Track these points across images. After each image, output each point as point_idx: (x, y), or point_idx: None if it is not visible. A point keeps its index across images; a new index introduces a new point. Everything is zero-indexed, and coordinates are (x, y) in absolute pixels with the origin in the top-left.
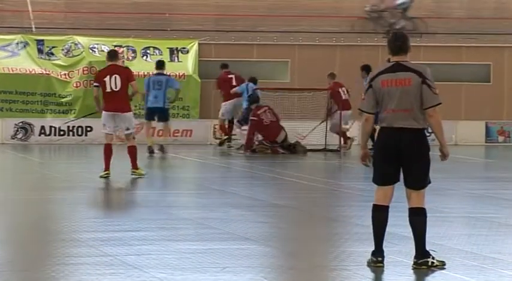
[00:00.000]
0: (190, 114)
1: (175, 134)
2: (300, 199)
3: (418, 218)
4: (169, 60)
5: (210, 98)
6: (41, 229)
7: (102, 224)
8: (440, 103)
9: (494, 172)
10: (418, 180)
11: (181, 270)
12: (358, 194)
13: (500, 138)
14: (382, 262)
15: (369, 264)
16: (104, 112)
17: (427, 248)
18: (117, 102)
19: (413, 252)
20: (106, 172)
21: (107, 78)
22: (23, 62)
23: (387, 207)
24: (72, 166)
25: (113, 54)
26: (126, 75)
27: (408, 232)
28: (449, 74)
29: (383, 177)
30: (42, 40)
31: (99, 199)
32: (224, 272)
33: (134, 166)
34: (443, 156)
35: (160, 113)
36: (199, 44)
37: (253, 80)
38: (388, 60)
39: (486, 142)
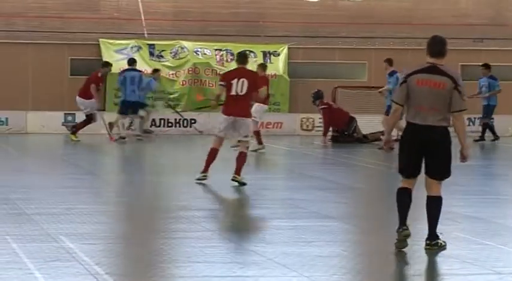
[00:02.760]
0: (280, 109)
1: (268, 126)
2: (375, 183)
3: (435, 205)
4: (263, 62)
5: (298, 94)
6: (153, 207)
7: (204, 203)
8: (466, 109)
9: None
10: (442, 171)
11: (272, 244)
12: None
13: None
14: (407, 229)
15: (398, 235)
16: (223, 116)
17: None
18: (239, 107)
19: (477, 230)
20: (203, 174)
21: (234, 81)
22: (136, 63)
23: (411, 190)
24: (178, 152)
25: (242, 57)
26: (254, 80)
27: (471, 211)
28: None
29: (408, 169)
30: (153, 44)
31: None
32: (309, 245)
33: (238, 171)
34: (463, 157)
35: (135, 107)
36: (288, 48)
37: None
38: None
39: None
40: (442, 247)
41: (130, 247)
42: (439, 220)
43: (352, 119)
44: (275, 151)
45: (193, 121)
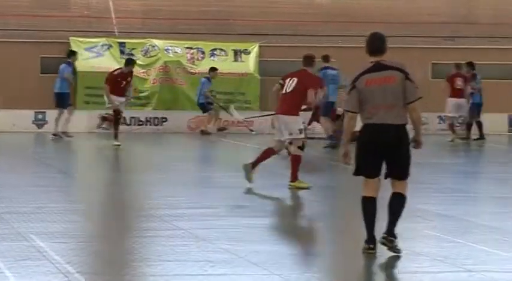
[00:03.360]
0: (251, 108)
1: (239, 124)
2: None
3: (398, 201)
4: (233, 60)
5: (269, 93)
6: (124, 206)
7: (175, 202)
8: (421, 97)
9: None
10: (404, 171)
11: (243, 242)
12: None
13: None
14: (374, 249)
15: (363, 251)
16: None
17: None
18: (284, 105)
19: (447, 227)
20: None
21: (287, 80)
22: (106, 61)
23: (375, 199)
24: (150, 151)
25: (304, 59)
26: (305, 80)
27: (441, 209)
28: None
29: (369, 170)
30: (124, 43)
31: (172, 179)
32: (280, 244)
33: (292, 177)
34: (418, 144)
35: (57, 99)
36: (259, 46)
37: None
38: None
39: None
40: (395, 249)
41: (102, 245)
42: (408, 218)
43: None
44: (247, 150)
45: (164, 120)
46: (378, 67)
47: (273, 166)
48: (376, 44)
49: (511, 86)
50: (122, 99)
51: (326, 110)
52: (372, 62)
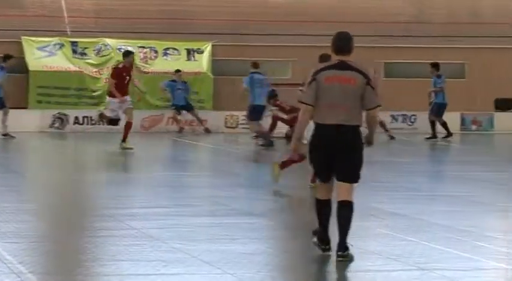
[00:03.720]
0: (205, 107)
1: (192, 124)
2: (297, 178)
3: (347, 212)
4: (186, 59)
5: (222, 92)
6: (77, 206)
7: (128, 202)
8: (380, 105)
9: (468, 157)
10: (352, 174)
11: (196, 241)
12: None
13: (473, 127)
14: (329, 250)
15: (318, 246)
16: None
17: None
18: None
19: (400, 226)
20: None
21: None
22: (59, 61)
23: (330, 200)
24: (103, 150)
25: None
26: None
27: (394, 208)
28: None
29: (323, 172)
30: (76, 42)
31: (126, 179)
32: (233, 243)
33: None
34: (369, 143)
35: None
36: (212, 45)
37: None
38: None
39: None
40: (351, 260)
41: (54, 245)
42: (362, 216)
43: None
44: (199, 149)
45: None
46: (341, 66)
47: (225, 164)
48: (342, 42)
49: (463, 84)
50: (125, 100)
51: (256, 114)
52: (335, 59)
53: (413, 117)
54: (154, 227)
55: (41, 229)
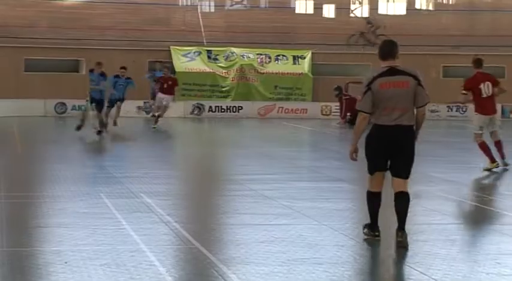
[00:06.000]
0: (306, 99)
1: (296, 112)
2: None
3: (403, 202)
4: (292, 63)
5: (319, 88)
6: (210, 172)
7: (249, 170)
8: (429, 102)
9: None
10: (406, 170)
11: (300, 200)
12: None
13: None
14: (379, 236)
15: (367, 236)
16: (480, 115)
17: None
18: (491, 106)
19: (453, 190)
20: (494, 164)
21: (481, 86)
22: (198, 64)
23: (380, 193)
24: (230, 132)
25: (478, 62)
26: (494, 81)
27: (448, 176)
28: None
29: (377, 167)
30: (210, 50)
31: (246, 153)
32: (327, 201)
33: (501, 156)
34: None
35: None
36: (312, 53)
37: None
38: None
39: (501, 118)
40: (407, 244)
41: (194, 202)
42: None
43: None
44: (301, 131)
45: (240, 108)
46: (391, 72)
47: (321, 142)
48: (387, 48)
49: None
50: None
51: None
52: (384, 66)
53: (464, 107)
54: (268, 189)
55: (184, 189)
